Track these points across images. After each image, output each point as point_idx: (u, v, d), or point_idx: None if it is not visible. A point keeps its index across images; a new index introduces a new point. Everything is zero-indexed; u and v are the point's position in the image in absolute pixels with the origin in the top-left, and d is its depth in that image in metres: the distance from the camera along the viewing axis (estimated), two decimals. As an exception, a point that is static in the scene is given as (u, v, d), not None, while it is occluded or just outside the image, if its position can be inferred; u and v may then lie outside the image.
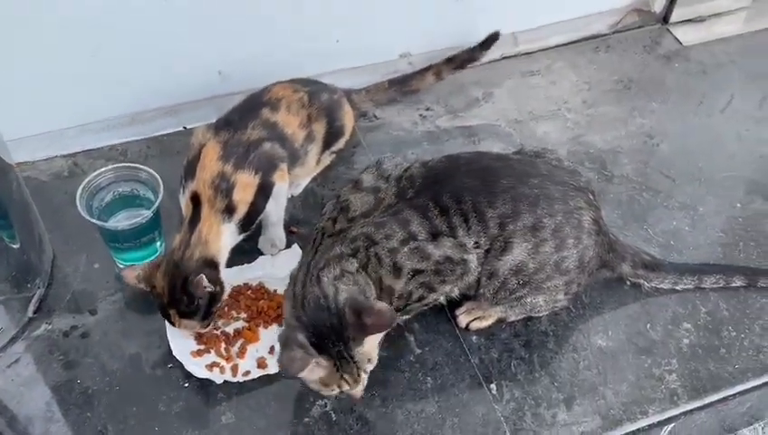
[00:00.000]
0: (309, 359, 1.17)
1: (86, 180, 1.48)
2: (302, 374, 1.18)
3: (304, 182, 1.71)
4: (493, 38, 1.88)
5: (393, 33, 1.91)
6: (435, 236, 1.27)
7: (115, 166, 1.51)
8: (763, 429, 1.61)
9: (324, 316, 1.21)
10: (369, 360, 1.25)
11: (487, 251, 1.29)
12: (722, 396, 1.42)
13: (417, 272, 1.28)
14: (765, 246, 1.63)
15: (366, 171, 1.38)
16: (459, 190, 1.28)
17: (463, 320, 1.46)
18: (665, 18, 2.15)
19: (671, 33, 2.15)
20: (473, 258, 1.29)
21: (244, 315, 1.47)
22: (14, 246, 1.43)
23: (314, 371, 1.20)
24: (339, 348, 1.20)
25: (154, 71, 1.74)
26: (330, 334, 1.20)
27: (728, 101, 1.97)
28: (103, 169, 1.50)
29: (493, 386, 1.39)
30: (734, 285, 1.53)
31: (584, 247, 1.33)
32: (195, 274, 1.33)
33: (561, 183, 1.34)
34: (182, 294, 1.34)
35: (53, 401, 1.37)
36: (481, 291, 1.34)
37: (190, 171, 1.44)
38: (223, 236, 1.40)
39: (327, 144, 1.66)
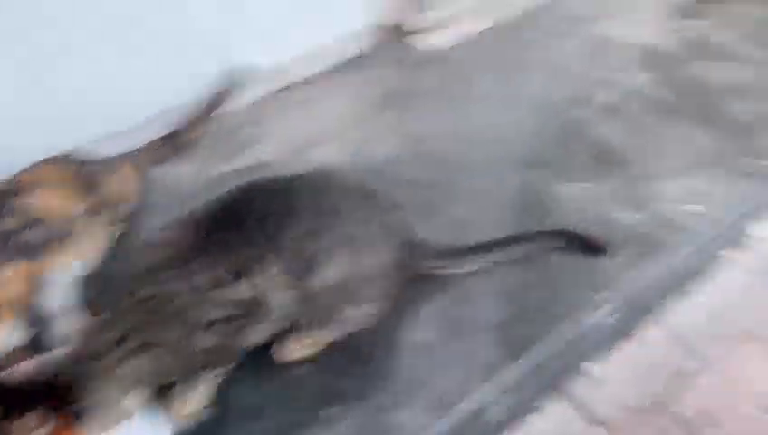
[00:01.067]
0: None
1: None
2: None
3: (94, 258, 1.60)
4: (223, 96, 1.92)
5: (154, 88, 1.85)
6: (217, 284, 1.22)
7: None
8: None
9: None
10: None
11: (294, 274, 1.26)
12: (541, 357, 1.49)
13: (213, 323, 1.23)
14: (540, 209, 1.75)
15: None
16: (251, 217, 1.26)
17: (283, 355, 1.42)
18: (406, 31, 2.28)
19: (415, 43, 2.29)
20: (276, 294, 1.26)
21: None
22: None
23: None
24: None
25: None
26: None
27: (478, 93, 2.12)
28: None
29: (334, 409, 1.37)
30: (532, 251, 1.62)
31: (387, 253, 1.36)
32: None
33: (358, 195, 1.37)
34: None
35: None
36: (299, 320, 1.32)
37: None
38: None
39: (105, 213, 1.56)
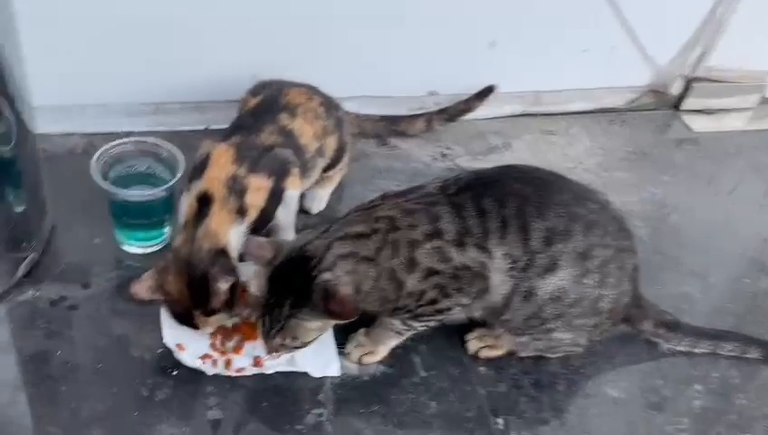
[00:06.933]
0: (269, 251, 1.11)
1: (104, 148, 1.32)
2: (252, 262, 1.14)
3: (326, 196, 1.56)
4: (488, 91, 1.78)
5: (423, 69, 1.81)
6: (462, 240, 1.11)
7: (136, 139, 1.36)
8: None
9: (300, 270, 1.08)
10: (296, 337, 1.11)
11: (524, 268, 1.13)
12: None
13: (432, 272, 1.12)
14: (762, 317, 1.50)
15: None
16: (506, 194, 1.13)
17: (473, 346, 1.30)
18: (677, 105, 2.09)
19: (682, 119, 2.09)
20: (497, 277, 1.13)
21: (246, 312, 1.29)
22: (19, 209, 1.26)
23: (260, 276, 1.12)
24: (286, 300, 1.08)
25: (185, 63, 1.62)
26: (289, 285, 1.09)
27: (735, 186, 1.88)
28: (125, 140, 1.35)
29: (500, 420, 1.22)
30: (748, 356, 1.38)
31: (621, 292, 1.19)
32: (210, 265, 1.15)
33: (616, 218, 1.21)
34: (204, 292, 1.15)
35: (28, 370, 1.17)
36: (507, 316, 1.17)
37: (198, 173, 1.26)
38: (232, 235, 1.21)
39: (334, 161, 1.50)
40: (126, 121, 1.63)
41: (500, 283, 1.13)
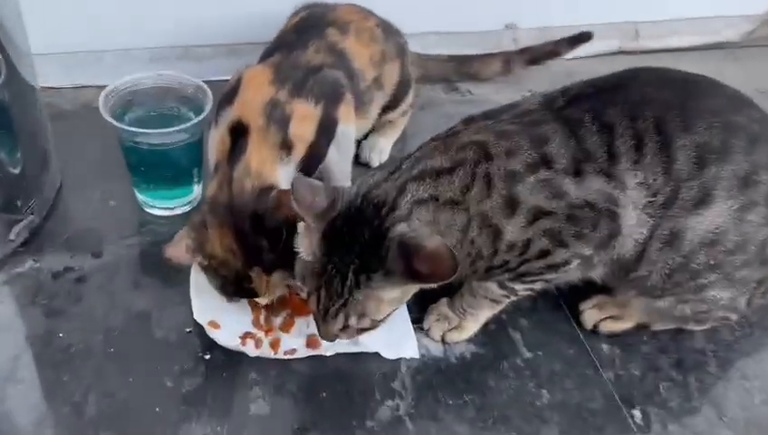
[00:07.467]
0: (324, 197, 0.81)
1: (116, 83, 1.09)
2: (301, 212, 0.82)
3: (388, 147, 1.29)
4: (583, 37, 1.47)
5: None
6: (579, 168, 0.82)
7: (155, 73, 1.12)
8: None
9: (367, 223, 0.80)
10: (364, 315, 0.82)
11: (668, 202, 0.83)
12: None
13: (541, 213, 0.83)
14: None
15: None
16: (638, 102, 0.84)
17: (590, 318, 1.00)
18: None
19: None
20: (630, 215, 0.84)
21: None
22: (12, 163, 1.03)
23: (310, 234, 0.82)
24: (350, 265, 0.79)
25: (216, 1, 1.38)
26: (352, 244, 0.79)
27: None
28: (141, 75, 1.11)
29: (636, 412, 0.92)
30: None
31: None
32: (259, 204, 0.90)
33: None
34: (260, 237, 0.90)
35: (22, 356, 0.93)
36: (642, 272, 0.87)
37: (227, 101, 1.00)
38: (279, 175, 0.95)
39: (396, 99, 1.23)
40: (150, 68, 1.37)
41: (635, 224, 0.84)
